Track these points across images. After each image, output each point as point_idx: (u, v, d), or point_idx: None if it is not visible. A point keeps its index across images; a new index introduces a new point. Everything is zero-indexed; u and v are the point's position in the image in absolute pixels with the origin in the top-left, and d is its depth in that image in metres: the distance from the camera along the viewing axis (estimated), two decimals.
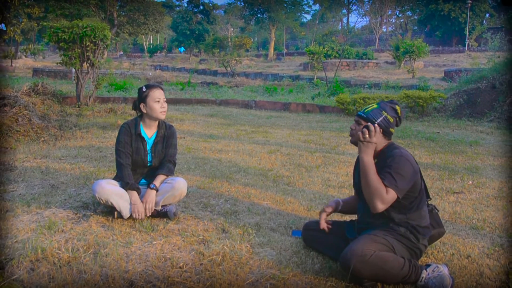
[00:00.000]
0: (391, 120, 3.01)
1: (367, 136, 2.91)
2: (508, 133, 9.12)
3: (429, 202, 3.29)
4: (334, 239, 3.22)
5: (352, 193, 4.13)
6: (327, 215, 3.38)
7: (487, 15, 50.44)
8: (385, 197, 2.81)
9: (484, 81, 11.52)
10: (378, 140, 2.99)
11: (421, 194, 3.00)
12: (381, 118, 2.98)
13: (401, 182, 2.85)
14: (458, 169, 5.97)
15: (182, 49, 50.65)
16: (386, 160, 2.93)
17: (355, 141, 3.04)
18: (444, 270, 2.82)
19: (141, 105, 3.93)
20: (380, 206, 2.82)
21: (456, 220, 4.07)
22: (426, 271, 2.79)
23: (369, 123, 2.95)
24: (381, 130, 2.98)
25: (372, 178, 2.85)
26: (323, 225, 3.32)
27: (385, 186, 2.83)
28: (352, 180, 3.52)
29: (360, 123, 3.03)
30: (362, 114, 3.04)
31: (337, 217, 3.90)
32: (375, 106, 3.05)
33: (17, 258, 2.96)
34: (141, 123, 4.00)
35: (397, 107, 3.06)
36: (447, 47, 43.01)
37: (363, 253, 2.68)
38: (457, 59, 30.75)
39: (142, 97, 3.91)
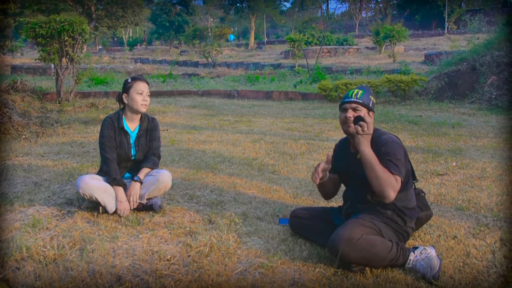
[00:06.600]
0: (375, 103, 3.03)
1: (366, 129, 2.87)
2: (490, 113, 9.20)
3: (416, 186, 3.31)
4: (321, 225, 3.21)
5: None
6: (322, 170, 3.05)
7: None
8: (395, 185, 2.81)
9: (465, 63, 11.60)
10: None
11: (408, 175, 3.02)
12: (371, 103, 3.02)
13: (402, 167, 2.88)
14: (442, 151, 6.01)
15: (232, 36, 44.20)
16: (379, 148, 2.92)
17: (353, 132, 2.96)
18: (432, 252, 2.84)
19: (124, 96, 3.91)
20: (393, 195, 2.81)
21: (441, 202, 4.10)
22: (414, 253, 2.81)
23: (363, 115, 2.91)
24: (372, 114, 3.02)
25: (379, 170, 2.82)
26: (320, 175, 3.03)
27: (393, 174, 2.83)
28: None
29: (357, 109, 3.00)
30: (358, 100, 3.00)
31: (323, 203, 3.91)
32: (361, 91, 3.04)
33: (1, 257, 2.91)
34: (123, 116, 3.96)
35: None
36: (426, 30, 43.11)
37: (350, 237, 2.69)
38: (437, 42, 30.88)
39: (126, 88, 3.90)
